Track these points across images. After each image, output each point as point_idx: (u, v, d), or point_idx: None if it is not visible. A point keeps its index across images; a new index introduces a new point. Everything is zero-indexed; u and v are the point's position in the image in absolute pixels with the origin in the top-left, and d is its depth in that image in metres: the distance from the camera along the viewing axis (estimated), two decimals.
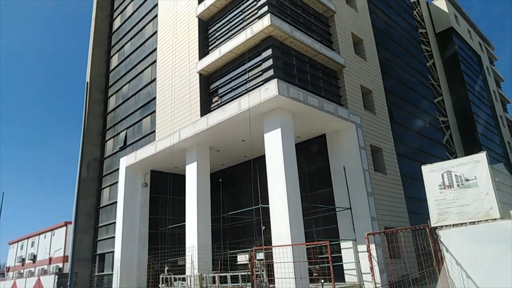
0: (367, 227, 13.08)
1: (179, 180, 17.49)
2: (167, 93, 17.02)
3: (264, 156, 12.83)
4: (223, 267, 13.20)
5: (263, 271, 10.69)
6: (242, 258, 15.29)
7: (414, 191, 17.98)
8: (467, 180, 8.76)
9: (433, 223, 9.26)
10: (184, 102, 15.74)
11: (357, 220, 13.28)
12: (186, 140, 14.53)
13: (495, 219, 5.97)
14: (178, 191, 17.53)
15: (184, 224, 14.67)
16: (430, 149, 21.39)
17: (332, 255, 13.22)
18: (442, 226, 6.85)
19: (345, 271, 13.38)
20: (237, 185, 18.28)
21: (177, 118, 15.82)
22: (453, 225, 6.82)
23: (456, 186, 8.91)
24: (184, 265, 14.01)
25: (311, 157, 15.10)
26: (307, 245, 10.86)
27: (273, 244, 11.13)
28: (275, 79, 11.45)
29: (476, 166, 8.60)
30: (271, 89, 11.41)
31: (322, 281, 10.56)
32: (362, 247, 13.06)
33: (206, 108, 14.98)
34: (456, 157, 26.28)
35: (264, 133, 12.28)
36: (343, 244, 13.54)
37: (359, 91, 16.40)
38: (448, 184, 9.09)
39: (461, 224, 6.76)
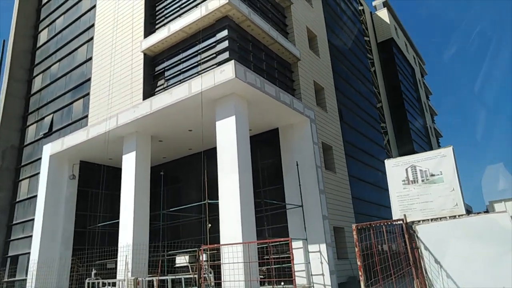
0: (318, 226, 12.52)
1: (114, 173, 15.63)
2: (105, 74, 15.12)
3: (212, 149, 11.75)
4: (162, 270, 11.78)
5: (210, 273, 9.54)
6: (182, 260, 13.95)
7: (360, 192, 17.98)
8: (432, 175, 8.43)
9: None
10: (125, 84, 14.03)
11: (308, 219, 12.66)
12: (125, 126, 12.88)
13: (478, 213, 5.55)
14: (112, 186, 15.64)
15: (118, 222, 12.96)
16: (374, 152, 21.75)
17: (281, 256, 12.51)
18: (419, 221, 6.30)
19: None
20: (180, 180, 16.86)
21: (116, 102, 14.05)
22: (432, 219, 6.30)
23: (421, 181, 8.54)
24: (116, 268, 12.31)
25: (262, 152, 14.25)
26: (263, 243, 9.93)
27: (220, 243, 10.02)
28: (232, 61, 10.41)
29: (442, 160, 8.29)
30: (228, 71, 10.34)
31: (282, 283, 9.69)
32: (313, 247, 12.47)
33: (150, 92, 13.45)
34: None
35: (216, 120, 11.16)
36: (293, 244, 12.80)
37: (312, 87, 15.96)
38: (412, 179, 8.70)
39: (441, 218, 6.25)
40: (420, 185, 8.55)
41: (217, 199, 10.67)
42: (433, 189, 8.40)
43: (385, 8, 36.07)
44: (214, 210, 11.59)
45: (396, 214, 8.85)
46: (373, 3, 37.22)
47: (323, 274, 12.24)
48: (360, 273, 4.84)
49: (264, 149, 14.26)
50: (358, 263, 4.90)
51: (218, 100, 11.26)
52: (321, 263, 12.38)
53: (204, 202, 11.85)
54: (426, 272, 5.69)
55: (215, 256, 10.52)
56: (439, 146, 43.90)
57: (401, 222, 6.40)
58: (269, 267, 11.43)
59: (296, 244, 12.62)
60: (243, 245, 9.28)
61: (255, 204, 10.74)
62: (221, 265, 9.54)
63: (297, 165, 13.06)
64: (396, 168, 9.02)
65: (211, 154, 11.83)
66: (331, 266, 12.41)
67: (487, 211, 5.64)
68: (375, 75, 31.23)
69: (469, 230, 5.51)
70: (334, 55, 19.41)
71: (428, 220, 6.44)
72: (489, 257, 5.22)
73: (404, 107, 32.13)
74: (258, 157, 14.01)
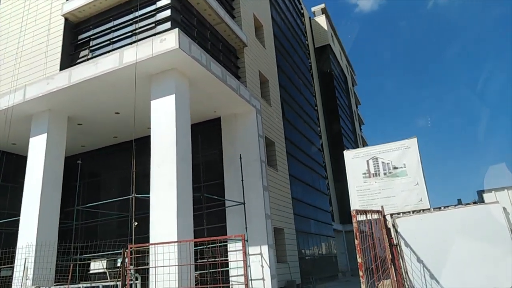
0: (260, 226, 11.38)
1: (18, 162, 12.93)
2: (12, 39, 12.42)
3: (143, 138, 10.11)
4: (74, 276, 9.66)
5: (137, 279, 7.83)
6: (98, 266, 11.86)
7: (300, 193, 17.30)
8: (395, 168, 7.73)
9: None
10: (38, 53, 11.57)
11: (249, 218, 11.45)
12: (35, 101, 10.53)
13: (467, 204, 4.81)
14: (14, 177, 12.92)
15: (18, 219, 10.51)
16: (312, 153, 21.38)
17: (218, 259, 11.11)
18: (399, 213, 5.40)
19: (231, 277, 11.33)
20: (101, 174, 14.62)
21: (25, 72, 11.52)
22: (414, 211, 5.44)
23: (383, 174, 7.81)
24: (11, 276, 9.88)
25: (201, 144, 12.75)
26: (202, 242, 8.48)
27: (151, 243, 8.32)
28: (176, 29, 8.85)
29: (406, 153, 7.63)
30: (169, 40, 8.76)
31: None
32: (254, 249, 11.26)
33: (69, 62, 11.22)
34: (325, 166, 27.39)
35: (151, 99, 9.47)
36: (230, 246, 11.50)
37: (258, 77, 14.89)
38: (373, 172, 7.92)
39: (423, 210, 5.42)
40: (382, 179, 7.80)
41: (147, 195, 8.99)
42: (396, 183, 7.69)
43: (324, 15, 36.72)
44: (141, 207, 9.86)
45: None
46: (312, 9, 37.74)
47: (263, 279, 11.10)
48: (361, 274, 3.74)
49: (204, 140, 12.78)
50: (359, 260, 3.81)
51: (155, 76, 9.58)
52: (262, 266, 11.25)
53: (131, 196, 10.05)
54: (407, 273, 4.81)
55: (141, 260, 8.82)
56: None
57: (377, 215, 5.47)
58: (202, 271, 9.98)
59: (235, 246, 11.33)
60: (178, 245, 7.73)
61: (193, 200, 9.24)
62: (150, 269, 7.89)
63: (241, 158, 11.82)
64: (356, 160, 8.20)
65: (141, 144, 10.11)
66: (272, 270, 11.33)
67: (476, 202, 5.01)
68: (312, 79, 31.39)
69: (458, 224, 4.74)
70: (278, 50, 18.63)
71: (409, 212, 5.58)
72: (481, 255, 4.49)
73: (338, 112, 32.76)
74: (197, 149, 12.49)
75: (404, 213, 5.35)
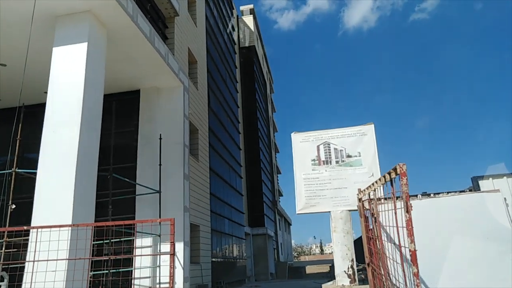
0: (177, 220, 9.66)
1: None
2: None
3: (36, 106, 7.87)
4: None
5: (2, 280, 5.63)
6: None
7: (218, 189, 15.93)
8: (349, 156, 6.88)
9: (298, 209, 6.90)
10: None
11: (165, 210, 9.71)
12: None
13: (461, 192, 4.01)
14: None
15: None
16: (233, 150, 20.20)
17: (121, 256, 9.11)
18: (380, 199, 4.40)
19: (134, 280, 9.39)
20: None
21: None
22: (398, 197, 4.46)
23: (335, 162, 6.91)
24: None
25: (113, 119, 10.64)
26: (118, 226, 6.62)
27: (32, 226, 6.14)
28: None
29: (361, 140, 6.83)
30: None
31: None
32: (167, 247, 9.49)
33: None
34: (241, 166, 26.47)
35: (54, 46, 7.27)
36: (138, 242, 9.57)
37: (187, 54, 13.25)
38: (324, 159, 6.99)
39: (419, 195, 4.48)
40: (333, 167, 6.87)
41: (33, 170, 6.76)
42: (349, 173, 6.82)
43: (252, 15, 36.28)
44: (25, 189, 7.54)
45: (301, 201, 6.95)
46: (241, 8, 37.05)
47: (174, 282, 9.39)
48: (370, 278, 2.52)
49: (116, 115, 10.68)
50: (367, 259, 2.58)
51: (63, 19, 7.41)
52: (174, 267, 9.53)
53: (11, 170, 7.66)
54: (389, 274, 3.81)
55: (19, 255, 6.57)
56: (276, 160, 46.49)
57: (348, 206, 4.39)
58: (99, 271, 7.96)
59: (144, 242, 9.45)
60: (71, 231, 5.75)
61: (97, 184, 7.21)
62: (26, 265, 5.77)
63: (161, 139, 10.03)
64: (305, 144, 7.16)
65: (33, 114, 7.84)
66: (186, 272, 9.71)
67: (471, 190, 4.29)
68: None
69: (452, 214, 3.91)
70: (208, 33, 17.19)
71: (386, 199, 4.62)
72: (479, 251, 3.70)
73: (257, 114, 32.29)
74: (107, 124, 10.34)
75: (387, 198, 4.37)
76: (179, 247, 9.62)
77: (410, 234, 2.49)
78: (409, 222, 2.53)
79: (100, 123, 7.41)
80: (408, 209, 2.49)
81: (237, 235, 19.07)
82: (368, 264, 3.99)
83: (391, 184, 3.00)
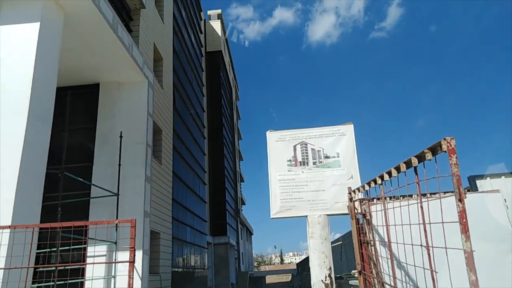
0: (138, 226, 8.86)
1: None
2: None
3: None
4: None
5: None
6: None
7: (180, 195, 15.12)
8: (327, 157, 6.49)
9: (273, 213, 6.43)
10: None
11: (123, 214, 8.85)
12: None
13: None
14: None
15: None
16: (197, 156, 19.43)
17: (70, 265, 8.13)
18: (373, 199, 3.98)
19: None
20: None
21: None
22: (392, 197, 4.06)
23: (312, 164, 6.49)
24: None
25: (68, 113, 9.67)
26: (69, 227, 5.79)
27: None
28: None
29: (340, 140, 6.48)
30: None
31: None
32: (124, 255, 8.63)
33: None
34: (205, 172, 25.68)
35: (0, 24, 6.38)
36: (90, 250, 8.63)
37: (152, 50, 12.49)
38: (301, 160, 6.55)
39: (403, 197, 4.08)
40: (310, 169, 6.45)
41: None
42: (327, 174, 6.42)
43: (219, 20, 35.86)
44: None
45: (275, 205, 6.46)
46: (208, 12, 36.52)
47: None
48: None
49: (72, 111, 9.72)
50: (359, 266, 2.11)
51: None
52: (131, 277, 8.67)
53: None
54: (383, 285, 3.37)
55: None
56: (240, 168, 45.91)
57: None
58: (44, 283, 7.00)
59: (98, 250, 8.52)
60: (11, 234, 4.90)
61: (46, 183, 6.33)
62: None
63: (121, 137, 9.21)
64: (280, 144, 6.70)
65: None
66: (144, 283, 8.88)
67: (469, 190, 3.98)
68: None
69: (451, 215, 3.56)
70: (176, 32, 16.50)
71: (386, 198, 4.21)
72: (480, 254, 3.38)
73: (222, 120, 31.70)
74: (60, 119, 9.36)
75: (379, 198, 3.96)
76: (138, 255, 8.79)
77: (465, 229, 2.05)
78: (462, 214, 2.09)
79: (51, 115, 6.56)
80: (461, 197, 2.05)
81: (199, 244, 18.24)
82: (360, 272, 3.54)
83: (415, 172, 2.56)
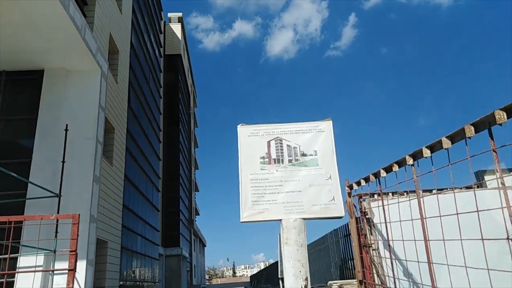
0: (82, 233, 7.73)
1: None
2: None
3: None
4: None
5: None
6: None
7: (132, 201, 13.92)
8: (304, 155, 5.93)
9: (243, 217, 5.78)
10: None
11: (64, 219, 7.67)
12: None
13: (468, 187, 3.18)
14: None
15: None
16: (152, 160, 18.22)
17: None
18: (372, 195, 3.39)
19: None
20: None
21: None
22: (394, 193, 3.48)
23: (288, 161, 5.90)
24: None
25: (4, 102, 8.39)
26: None
27: None
28: None
29: (318, 137, 5.96)
30: None
31: None
32: (63, 264, 7.43)
33: None
34: (159, 179, 24.33)
35: None
36: (24, 260, 7.36)
37: (107, 40, 11.42)
38: (275, 157, 5.94)
39: (407, 192, 3.52)
40: (285, 167, 5.84)
41: None
42: (304, 174, 5.84)
43: (180, 24, 34.92)
44: None
45: (246, 207, 5.83)
46: (169, 15, 35.42)
47: None
48: None
49: (8, 99, 8.45)
50: (359, 274, 1.63)
51: None
52: None
53: None
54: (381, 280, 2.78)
55: None
56: (195, 177, 44.55)
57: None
58: None
59: (28, 261, 7.27)
60: None
61: None
62: None
63: (67, 130, 8.08)
64: (253, 139, 6.06)
65: None
66: None
67: (479, 186, 3.53)
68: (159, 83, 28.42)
69: (460, 214, 3.07)
70: (134, 27, 15.45)
71: (388, 194, 3.63)
72: (480, 253, 2.93)
73: (179, 126, 30.52)
74: None
75: (379, 194, 3.38)
76: (81, 266, 7.63)
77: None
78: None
79: None
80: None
81: (150, 255, 16.94)
82: (361, 282, 2.95)
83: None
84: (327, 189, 5.56)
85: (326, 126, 5.99)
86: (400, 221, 2.73)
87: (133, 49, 14.89)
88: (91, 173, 8.22)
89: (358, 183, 3.26)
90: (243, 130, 6.11)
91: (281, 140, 5.93)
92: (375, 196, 3.50)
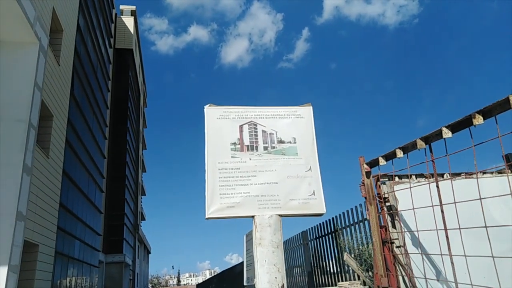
0: (5, 232, 6.40)
1: None
2: None
3: None
4: None
5: None
6: None
7: (71, 201, 12.39)
8: (281, 141, 5.24)
9: (209, 212, 4.95)
10: None
11: None
12: None
13: (501, 172, 2.61)
14: None
15: None
16: (95, 156, 16.59)
17: None
18: (395, 177, 2.71)
19: None
20: None
21: None
22: (417, 175, 2.81)
23: (263, 149, 5.17)
24: None
25: None
26: None
27: None
28: None
29: (297, 123, 5.31)
30: None
31: None
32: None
33: None
34: (103, 178, 22.46)
35: None
36: None
37: (50, 15, 10.03)
38: (249, 143, 5.18)
39: (425, 177, 2.89)
40: (260, 155, 5.11)
41: None
42: (281, 163, 5.14)
43: (133, 17, 33.13)
44: None
45: (213, 201, 4.99)
46: (121, 7, 33.48)
47: None
48: None
49: None
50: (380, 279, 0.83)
51: None
52: None
53: None
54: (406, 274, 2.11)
55: None
56: (142, 180, 42.32)
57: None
58: None
59: None
60: None
61: None
62: None
63: None
64: (222, 122, 5.26)
65: None
66: None
67: None
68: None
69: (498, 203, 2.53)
70: (82, 9, 13.99)
71: (403, 177, 2.96)
72: (480, 253, 2.42)
73: (127, 124, 28.67)
74: None
75: (399, 176, 2.71)
76: (1, 273, 6.30)
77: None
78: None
79: None
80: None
81: (89, 261, 15.28)
82: (387, 276, 2.28)
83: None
84: (306, 182, 4.89)
85: (305, 112, 5.34)
86: (433, 205, 2.12)
87: (79, 32, 13.43)
88: (21, 162, 6.91)
89: (374, 163, 2.59)
90: (211, 112, 5.27)
91: (255, 124, 5.18)
92: (396, 178, 2.87)
